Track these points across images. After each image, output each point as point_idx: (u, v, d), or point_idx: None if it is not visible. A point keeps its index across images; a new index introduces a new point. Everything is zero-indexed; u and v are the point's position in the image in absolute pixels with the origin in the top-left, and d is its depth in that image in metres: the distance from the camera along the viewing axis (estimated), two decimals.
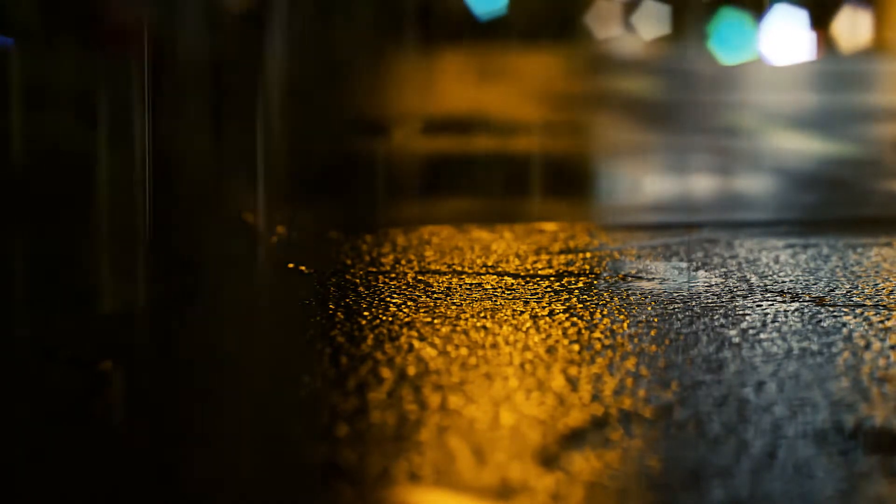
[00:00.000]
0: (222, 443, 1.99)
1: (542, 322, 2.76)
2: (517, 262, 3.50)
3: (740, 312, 2.86)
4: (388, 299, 2.99)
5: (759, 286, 3.16)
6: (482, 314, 2.83)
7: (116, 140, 6.23)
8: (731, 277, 3.28)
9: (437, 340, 2.59)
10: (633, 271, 3.37)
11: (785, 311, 2.88)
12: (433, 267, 3.43)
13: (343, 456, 1.91)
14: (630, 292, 3.08)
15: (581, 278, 3.27)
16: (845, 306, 2.93)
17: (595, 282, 3.22)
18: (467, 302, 2.96)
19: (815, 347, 2.55)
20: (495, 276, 3.28)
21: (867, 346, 2.56)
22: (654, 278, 3.27)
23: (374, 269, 3.39)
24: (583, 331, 2.69)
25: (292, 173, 5.83)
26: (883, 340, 2.61)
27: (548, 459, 1.89)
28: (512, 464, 1.87)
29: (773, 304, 2.95)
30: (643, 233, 4.04)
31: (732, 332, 2.67)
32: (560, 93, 12.47)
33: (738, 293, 3.08)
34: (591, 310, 2.89)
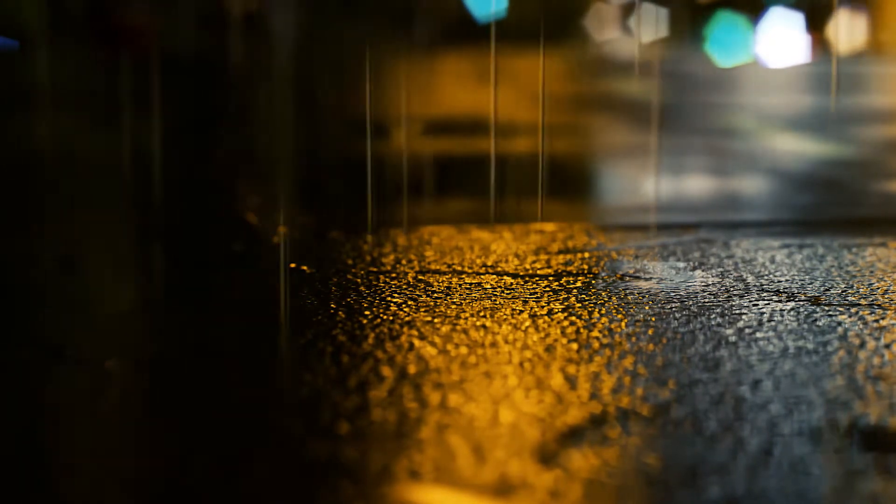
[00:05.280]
0: (224, 441, 2.00)
1: (540, 321, 2.78)
2: (516, 261, 3.52)
3: (737, 312, 2.88)
4: (389, 299, 3.01)
5: (755, 286, 3.19)
6: (482, 313, 2.85)
7: (124, 138, 6.24)
8: (727, 277, 3.30)
9: (437, 339, 2.61)
10: (631, 271, 3.39)
11: (781, 310, 2.90)
12: (433, 267, 3.45)
13: (344, 453, 1.92)
14: (628, 292, 3.10)
15: (579, 278, 3.29)
16: (841, 305, 2.95)
17: (593, 281, 3.25)
18: (467, 301, 2.98)
19: (810, 346, 2.57)
20: (495, 276, 3.30)
21: (862, 345, 2.58)
22: (651, 278, 3.29)
23: (375, 269, 3.41)
24: (581, 330, 2.71)
25: (294, 174, 5.85)
26: (878, 339, 2.63)
27: (547, 457, 1.91)
28: (511, 461, 1.89)
29: (769, 304, 2.97)
30: (641, 233, 4.06)
31: (729, 331, 2.69)
32: (559, 94, 12.48)
33: (735, 293, 3.10)
34: (590, 309, 2.91)
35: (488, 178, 5.75)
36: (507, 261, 3.54)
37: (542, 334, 2.67)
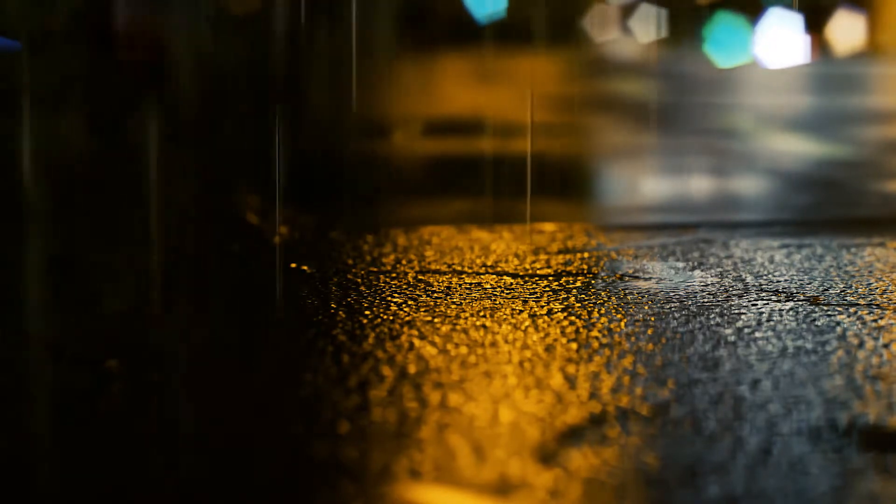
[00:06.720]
0: (225, 440, 2.01)
1: (540, 321, 2.79)
2: (516, 261, 3.53)
3: (736, 311, 2.89)
4: (389, 298, 3.02)
5: (754, 285, 3.19)
6: (482, 313, 2.86)
7: (121, 141, 6.25)
8: (726, 277, 3.31)
9: (437, 339, 2.62)
10: (631, 271, 3.40)
11: (780, 310, 2.91)
12: (433, 267, 3.45)
13: (344, 453, 1.93)
14: (627, 292, 3.11)
15: (579, 278, 3.30)
16: (839, 305, 2.96)
17: (593, 281, 3.25)
18: (467, 301, 2.99)
19: (809, 346, 2.58)
20: (494, 276, 3.31)
21: (861, 345, 2.59)
22: (650, 278, 3.30)
23: (376, 269, 3.42)
24: (581, 330, 2.72)
25: (295, 174, 5.85)
26: (876, 339, 2.64)
27: (546, 456, 1.91)
28: (511, 460, 1.90)
29: (768, 304, 2.97)
30: (640, 233, 4.07)
31: (728, 331, 2.70)
32: (558, 95, 12.48)
33: (734, 292, 3.10)
34: (589, 309, 2.92)
35: (486, 177, 5.76)
36: (506, 261, 3.55)
37: (542, 334, 2.67)
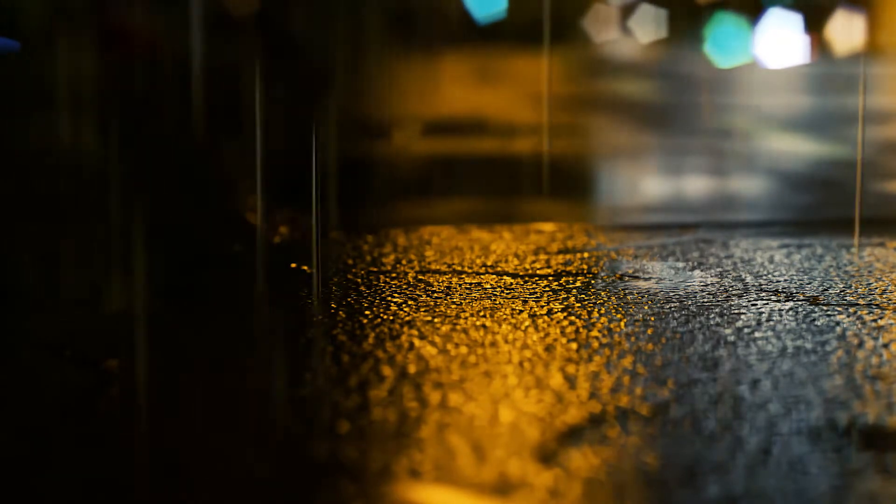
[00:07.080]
0: (225, 440, 2.01)
1: (540, 321, 2.79)
2: (516, 261, 3.53)
3: (735, 311, 2.89)
4: (389, 298, 3.02)
5: (754, 285, 3.20)
6: (481, 313, 2.86)
7: (123, 140, 6.25)
8: (726, 277, 3.31)
9: (437, 339, 2.62)
10: (630, 271, 3.40)
11: (779, 310, 2.91)
12: (433, 267, 3.46)
13: (345, 452, 1.93)
14: (627, 291, 3.11)
15: (579, 278, 3.30)
16: (839, 305, 2.96)
17: (593, 281, 3.26)
18: (467, 301, 2.99)
19: (809, 346, 2.58)
20: (494, 276, 3.31)
21: (860, 345, 2.59)
22: (650, 278, 3.30)
23: (376, 269, 3.42)
24: (580, 329, 2.72)
25: (294, 175, 5.86)
26: (876, 339, 2.64)
27: (546, 456, 1.92)
28: (511, 460, 1.90)
29: (767, 304, 2.98)
30: (640, 233, 4.07)
31: (728, 331, 2.70)
32: (558, 95, 12.49)
33: (734, 292, 3.11)
34: (589, 309, 2.92)
35: (487, 178, 5.76)
36: (506, 261, 3.55)
37: (542, 334, 2.67)
